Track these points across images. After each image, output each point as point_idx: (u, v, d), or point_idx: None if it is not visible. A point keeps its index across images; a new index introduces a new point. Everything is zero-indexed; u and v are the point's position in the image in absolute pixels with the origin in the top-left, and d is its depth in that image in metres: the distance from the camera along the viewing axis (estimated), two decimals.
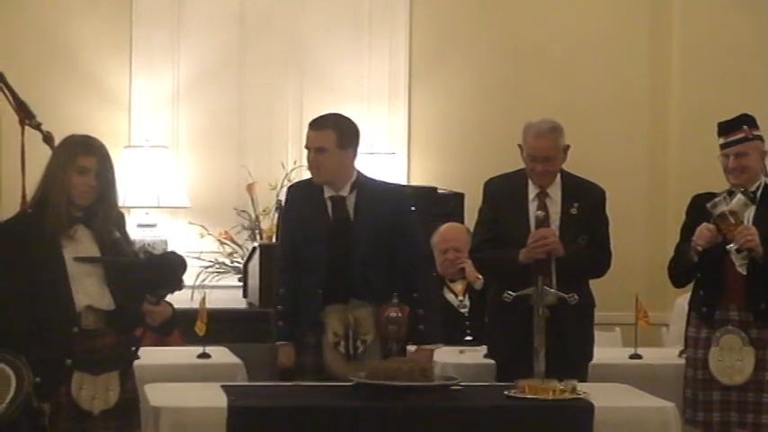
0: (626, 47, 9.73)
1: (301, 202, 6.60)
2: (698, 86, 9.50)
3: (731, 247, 6.57)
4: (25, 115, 6.43)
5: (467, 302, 7.78)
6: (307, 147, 6.56)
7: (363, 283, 6.43)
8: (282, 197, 8.71)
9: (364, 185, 6.59)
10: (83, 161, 5.33)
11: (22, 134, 6.36)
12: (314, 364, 6.38)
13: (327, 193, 6.51)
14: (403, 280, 6.48)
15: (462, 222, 8.25)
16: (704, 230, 6.60)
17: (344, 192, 6.52)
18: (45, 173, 5.39)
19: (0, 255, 5.32)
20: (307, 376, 6.39)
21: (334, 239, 6.49)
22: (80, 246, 5.31)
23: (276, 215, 8.95)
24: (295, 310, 6.49)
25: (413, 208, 6.89)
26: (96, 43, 9.31)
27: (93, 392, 5.23)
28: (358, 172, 6.58)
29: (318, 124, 6.57)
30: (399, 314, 6.21)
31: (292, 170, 9.12)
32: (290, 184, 6.89)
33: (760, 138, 6.78)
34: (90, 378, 5.22)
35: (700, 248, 6.61)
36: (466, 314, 7.77)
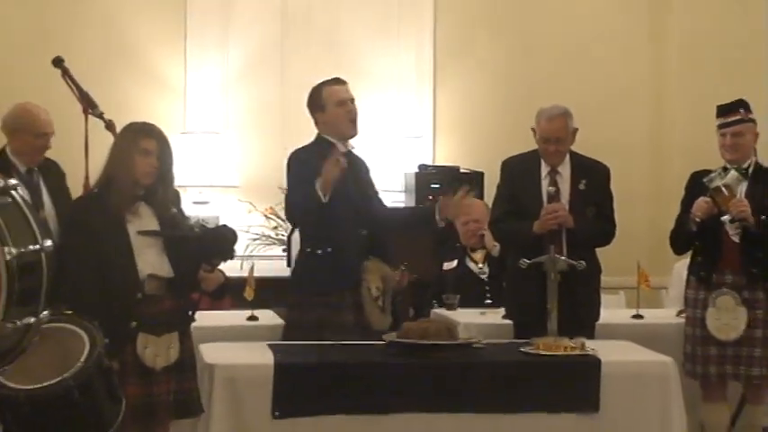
0: (629, 39, 9.71)
1: (318, 159, 6.37)
2: (695, 75, 9.46)
3: (726, 217, 6.60)
4: (88, 105, 6.47)
5: (486, 269, 7.80)
6: (342, 100, 6.51)
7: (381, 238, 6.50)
8: None
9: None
10: (145, 144, 5.37)
11: (86, 123, 6.40)
12: (355, 322, 6.33)
13: (342, 149, 6.48)
14: None
15: (482, 198, 8.25)
16: (702, 203, 6.64)
17: (351, 147, 6.58)
18: (110, 156, 5.44)
19: (70, 231, 5.41)
20: (347, 335, 6.26)
21: (357, 195, 6.52)
22: (142, 220, 5.36)
23: None
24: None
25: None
26: (154, 38, 9.31)
27: (156, 351, 5.29)
28: None
29: (342, 80, 6.59)
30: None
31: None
32: (293, 151, 6.75)
33: (753, 121, 6.80)
34: (153, 338, 5.29)
35: (698, 219, 6.64)
36: (486, 279, 7.79)
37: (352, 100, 6.55)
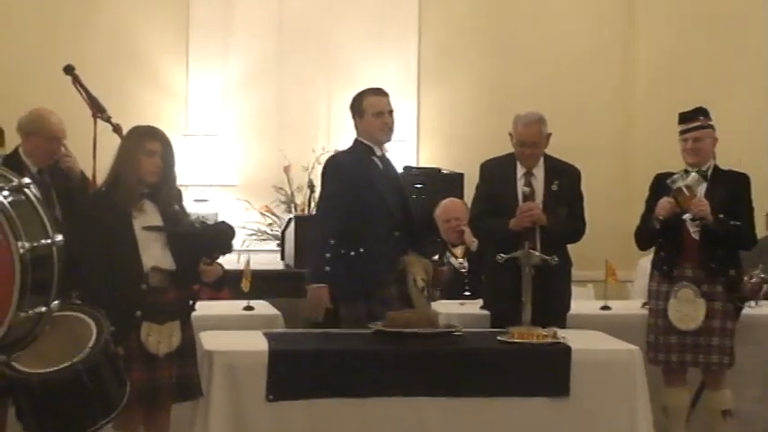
0: (601, 54, 9.74)
1: (353, 164, 6.51)
2: (660, 86, 9.50)
3: (687, 216, 6.61)
4: (97, 110, 6.45)
5: (465, 264, 7.80)
6: (380, 111, 6.52)
7: (415, 234, 6.50)
8: (315, 178, 8.85)
9: None
10: (150, 145, 5.37)
11: (95, 126, 6.39)
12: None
13: (378, 152, 6.55)
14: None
15: (462, 197, 8.26)
16: (665, 203, 6.64)
17: (386, 151, 6.62)
18: (117, 157, 5.44)
19: (79, 226, 5.38)
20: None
21: (391, 198, 6.54)
22: (147, 217, 5.35)
23: (308, 191, 9.00)
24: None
25: None
26: (158, 47, 9.31)
27: (159, 338, 5.29)
28: None
29: (383, 91, 6.61)
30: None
31: (321, 155, 9.12)
32: (330, 155, 6.84)
33: (713, 127, 6.81)
34: (156, 327, 5.29)
35: (661, 218, 6.64)
36: (465, 273, 7.79)
37: (391, 112, 6.58)
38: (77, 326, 4.85)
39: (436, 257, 7.78)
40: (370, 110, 6.53)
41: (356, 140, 6.61)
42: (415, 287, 6.15)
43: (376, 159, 6.56)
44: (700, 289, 6.66)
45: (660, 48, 9.64)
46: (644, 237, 6.89)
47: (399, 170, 8.77)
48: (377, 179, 6.50)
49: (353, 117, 6.61)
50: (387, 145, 6.63)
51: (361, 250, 6.41)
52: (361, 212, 6.41)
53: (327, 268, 6.33)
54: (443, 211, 7.98)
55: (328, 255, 6.34)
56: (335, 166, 6.61)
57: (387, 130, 6.55)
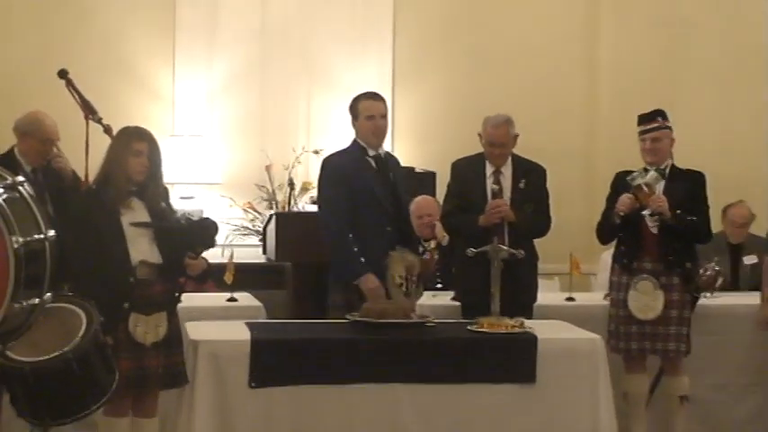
0: (566, 60, 9.72)
1: (349, 164, 6.56)
2: (621, 91, 9.50)
3: (646, 212, 6.62)
4: (89, 111, 6.44)
5: (435, 255, 7.78)
6: (372, 115, 6.55)
7: (407, 230, 6.49)
8: (295, 177, 8.84)
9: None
10: (137, 146, 5.37)
11: (87, 127, 6.37)
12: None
13: (371, 152, 6.56)
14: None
15: (434, 195, 8.25)
16: (625, 199, 6.66)
17: (381, 152, 6.62)
18: (106, 157, 5.43)
19: (71, 222, 5.36)
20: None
21: (384, 195, 6.54)
22: (135, 213, 5.35)
23: (288, 189, 8.99)
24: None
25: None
26: (146, 52, 9.27)
27: (146, 329, 5.29)
28: None
29: (376, 96, 6.65)
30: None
31: (300, 154, 9.13)
32: (326, 156, 6.87)
33: (670, 128, 6.83)
34: (143, 317, 5.29)
35: (622, 213, 6.65)
36: (436, 267, 7.77)
37: (383, 115, 6.60)
38: (69, 317, 4.84)
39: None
40: (364, 113, 6.58)
41: (354, 140, 6.65)
42: (393, 284, 6.14)
43: (369, 159, 6.58)
44: (658, 281, 6.68)
45: (622, 55, 9.67)
46: (605, 231, 6.90)
47: None
48: (369, 177, 6.52)
49: (351, 119, 6.66)
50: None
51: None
52: (355, 208, 6.45)
53: (362, 259, 6.37)
54: (416, 207, 7.95)
55: (356, 249, 6.39)
56: (331, 168, 6.65)
57: (377, 133, 6.58)
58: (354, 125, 6.64)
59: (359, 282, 6.37)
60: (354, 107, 6.63)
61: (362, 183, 6.50)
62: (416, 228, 7.87)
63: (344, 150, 6.69)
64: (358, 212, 6.46)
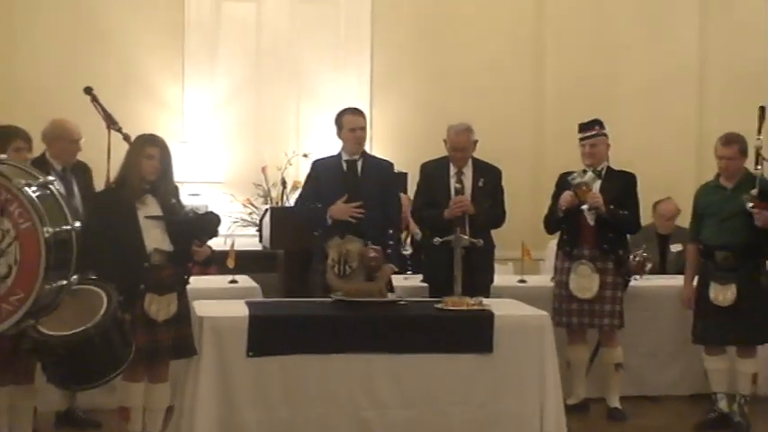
0: (517, 76, 9.69)
1: (328, 169, 6.62)
2: (564, 102, 9.50)
3: (584, 207, 6.66)
4: (111, 122, 6.39)
5: (408, 248, 7.77)
6: (353, 128, 6.55)
7: (358, 223, 6.46)
8: (286, 176, 8.82)
9: (368, 156, 6.70)
10: (150, 150, 5.36)
11: (109, 135, 6.33)
12: (321, 283, 6.28)
13: (345, 157, 6.57)
14: (383, 220, 6.50)
15: (406, 192, 8.24)
16: (566, 196, 6.70)
17: (357, 157, 6.60)
18: (124, 160, 5.43)
19: (94, 216, 5.36)
20: (318, 292, 6.36)
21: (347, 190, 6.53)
22: (149, 208, 5.34)
23: (281, 187, 8.98)
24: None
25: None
26: (158, 69, 9.22)
27: (159, 307, 5.28)
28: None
29: (358, 112, 6.64)
30: (376, 254, 6.23)
31: (291, 157, 9.10)
32: (315, 159, 6.94)
33: (606, 135, 6.86)
34: (157, 297, 5.28)
35: (564, 208, 6.69)
36: (407, 255, 7.76)
37: (363, 128, 6.60)
38: (92, 297, 4.83)
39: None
40: (347, 125, 6.58)
41: (341, 148, 6.67)
42: (329, 264, 6.14)
43: (343, 163, 6.57)
44: (594, 265, 6.72)
45: (564, 72, 9.68)
46: (551, 223, 6.94)
47: None
48: (334, 177, 6.51)
49: (337, 129, 6.65)
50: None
51: (318, 233, 6.51)
52: (320, 200, 6.51)
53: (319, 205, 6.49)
54: None
55: (319, 205, 6.50)
56: (310, 168, 6.77)
57: (358, 142, 6.59)
58: (339, 135, 6.62)
59: (328, 217, 6.42)
60: (339, 120, 6.63)
61: (328, 181, 6.52)
62: None
63: (329, 156, 6.73)
64: (322, 203, 6.50)
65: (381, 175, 6.64)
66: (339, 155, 6.63)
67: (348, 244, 6.15)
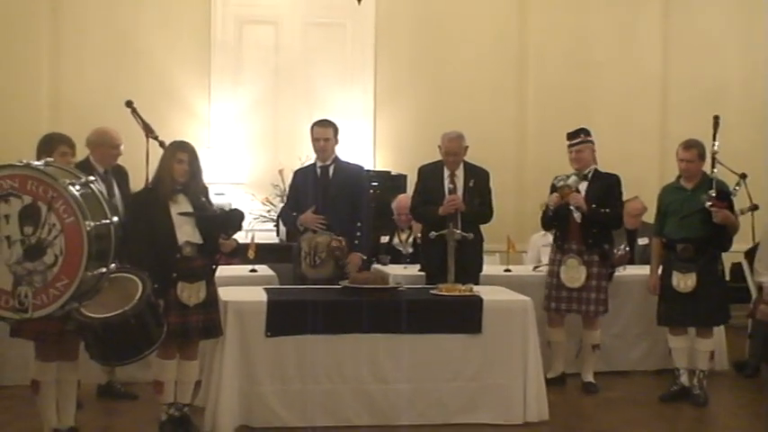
0: (502, 88, 9.67)
1: (303, 176, 6.68)
2: (547, 112, 9.49)
3: (571, 206, 6.64)
4: (149, 131, 6.35)
5: (409, 248, 7.75)
6: (317, 138, 6.56)
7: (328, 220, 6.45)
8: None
9: (340, 161, 6.66)
10: (180, 155, 5.35)
11: (147, 143, 6.31)
12: (298, 272, 6.44)
13: (319, 164, 6.58)
14: (352, 215, 6.49)
15: (405, 192, 8.22)
16: (553, 197, 6.73)
17: (328, 163, 6.58)
18: (159, 164, 5.42)
19: (132, 212, 5.35)
20: (297, 280, 6.46)
21: (319, 193, 6.54)
22: (181, 205, 5.32)
23: None
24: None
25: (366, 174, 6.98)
26: (188, 84, 9.22)
27: (190, 293, 5.27)
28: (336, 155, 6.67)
29: (325, 124, 6.62)
30: (340, 244, 6.19)
31: (305, 161, 9.00)
32: (296, 169, 6.98)
33: (592, 142, 6.83)
34: (188, 285, 5.26)
35: (552, 207, 6.68)
36: (405, 253, 7.73)
37: (326, 138, 6.58)
38: (128, 284, 4.81)
39: (387, 238, 7.77)
40: (312, 136, 6.63)
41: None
42: (302, 255, 6.29)
43: (317, 170, 6.59)
44: (582, 258, 6.71)
45: (545, 85, 9.66)
46: (545, 220, 6.91)
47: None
48: (308, 183, 6.58)
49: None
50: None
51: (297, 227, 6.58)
52: (297, 201, 6.60)
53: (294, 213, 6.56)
54: (398, 204, 7.95)
55: (294, 214, 6.56)
56: (292, 179, 6.86)
57: (320, 151, 6.60)
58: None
59: (299, 222, 6.49)
60: (310, 131, 6.64)
61: (306, 185, 6.58)
62: (396, 219, 7.90)
63: (307, 164, 6.81)
64: (298, 207, 6.55)
65: (350, 177, 6.63)
66: (314, 163, 6.65)
67: (318, 237, 6.19)
